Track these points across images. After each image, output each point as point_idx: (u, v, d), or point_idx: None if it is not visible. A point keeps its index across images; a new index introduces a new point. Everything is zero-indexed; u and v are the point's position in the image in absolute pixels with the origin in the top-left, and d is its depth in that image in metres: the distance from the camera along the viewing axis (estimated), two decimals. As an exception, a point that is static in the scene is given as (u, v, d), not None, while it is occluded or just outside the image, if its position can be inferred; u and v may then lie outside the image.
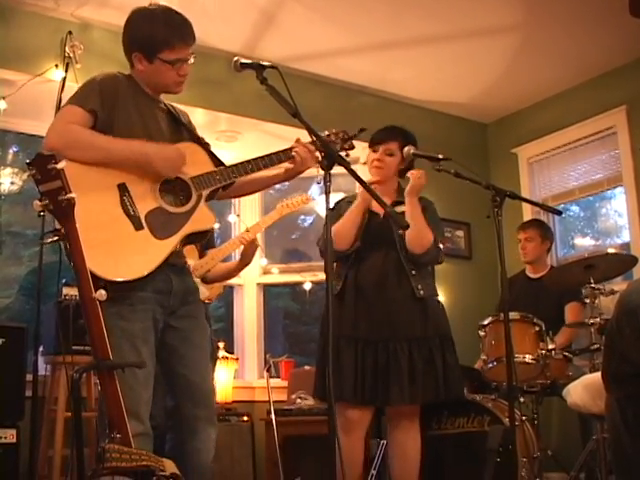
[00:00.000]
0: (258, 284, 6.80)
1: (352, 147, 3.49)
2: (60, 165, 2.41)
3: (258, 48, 5.87)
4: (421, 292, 4.10)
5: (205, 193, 3.06)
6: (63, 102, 5.04)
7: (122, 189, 2.92)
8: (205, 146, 3.24)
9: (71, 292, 4.88)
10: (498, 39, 6.06)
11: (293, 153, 3.19)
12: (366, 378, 3.90)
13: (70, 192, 2.43)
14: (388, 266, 4.11)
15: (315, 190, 7.18)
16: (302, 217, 8.03)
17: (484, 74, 6.66)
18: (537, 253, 5.75)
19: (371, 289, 4.06)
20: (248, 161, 3.15)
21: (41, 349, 4.94)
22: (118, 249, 2.85)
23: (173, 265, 3.04)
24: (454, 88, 6.93)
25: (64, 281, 5.02)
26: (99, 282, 2.79)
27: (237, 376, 6.22)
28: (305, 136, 3.00)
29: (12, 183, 6.53)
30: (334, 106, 6.52)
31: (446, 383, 4.00)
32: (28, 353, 4.79)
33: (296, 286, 7.04)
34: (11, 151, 6.68)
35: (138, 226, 2.90)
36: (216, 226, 4.68)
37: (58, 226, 2.52)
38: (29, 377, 4.71)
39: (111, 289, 2.79)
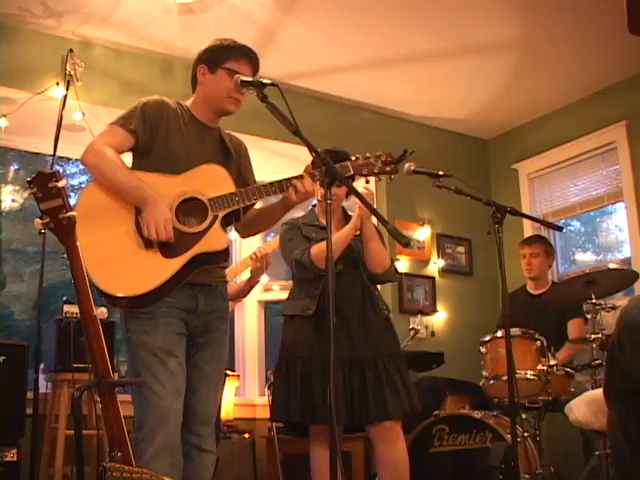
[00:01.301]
0: (259, 301, 6.79)
1: (395, 171, 3.37)
2: (61, 184, 2.42)
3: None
4: (385, 312, 4.11)
5: (221, 214, 3.05)
6: (64, 120, 5.11)
7: (139, 210, 2.97)
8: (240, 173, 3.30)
9: (72, 310, 4.88)
10: (498, 55, 6.07)
11: (296, 183, 3.15)
12: (351, 399, 3.86)
13: (71, 210, 2.44)
14: (359, 287, 4.08)
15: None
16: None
17: (484, 90, 6.68)
18: (542, 269, 5.75)
19: (349, 309, 4.01)
20: (270, 183, 3.16)
21: (42, 367, 4.93)
22: (124, 265, 2.89)
23: (201, 285, 3.08)
24: (454, 104, 6.94)
25: (65, 299, 5.03)
26: (112, 300, 2.88)
27: (238, 393, 6.20)
28: (306, 153, 2.99)
29: (13, 200, 6.54)
30: (334, 122, 6.53)
31: (408, 397, 3.96)
32: (29, 371, 4.78)
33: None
34: (12, 168, 6.69)
35: (148, 245, 2.93)
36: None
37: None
38: (30, 395, 4.69)
39: (126, 306, 2.92)
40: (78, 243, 2.60)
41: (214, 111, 3.30)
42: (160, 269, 2.91)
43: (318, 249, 3.91)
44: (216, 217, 3.04)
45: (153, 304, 2.92)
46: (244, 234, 3.59)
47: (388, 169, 3.33)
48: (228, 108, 3.27)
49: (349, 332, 3.96)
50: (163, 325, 2.96)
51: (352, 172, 3.24)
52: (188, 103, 3.33)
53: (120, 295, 2.86)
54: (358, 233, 4.04)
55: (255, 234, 3.70)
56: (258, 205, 3.39)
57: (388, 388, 3.87)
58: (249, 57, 3.27)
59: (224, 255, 3.09)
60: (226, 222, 3.11)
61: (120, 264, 2.89)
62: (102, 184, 2.99)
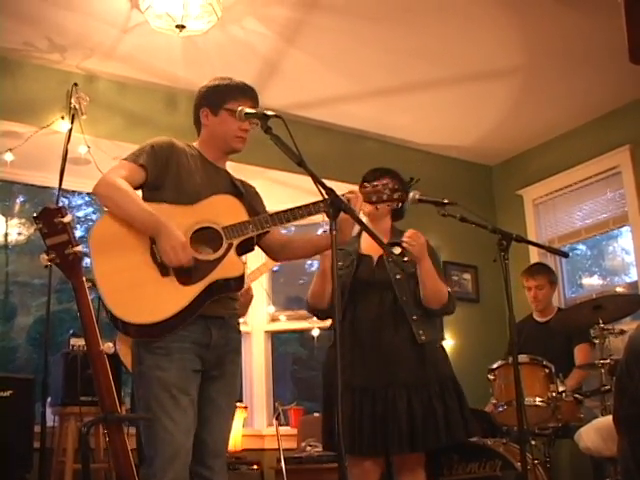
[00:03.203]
0: (266, 332, 6.79)
1: (403, 199, 3.52)
2: (66, 219, 2.42)
3: (262, 96, 5.84)
4: (422, 337, 3.94)
5: (236, 242, 3.08)
6: (69, 153, 5.13)
7: (154, 239, 2.98)
8: (250, 207, 3.29)
9: (78, 343, 4.88)
10: (500, 82, 6.09)
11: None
12: (364, 427, 3.83)
13: (77, 245, 2.44)
14: (384, 310, 3.99)
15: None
16: (309, 262, 8.02)
17: (487, 117, 6.70)
18: (547, 299, 5.74)
19: (367, 334, 3.96)
20: (284, 211, 3.19)
21: (49, 400, 4.92)
22: (142, 294, 2.89)
23: (215, 317, 3.08)
24: (457, 132, 6.96)
25: (71, 332, 5.03)
26: (128, 327, 2.87)
27: (246, 424, 6.18)
28: (311, 182, 2.99)
29: (19, 234, 6.56)
30: (338, 152, 6.55)
31: (447, 427, 3.89)
32: (36, 404, 4.77)
33: (304, 331, 7.00)
34: (18, 201, 6.71)
35: (164, 272, 2.94)
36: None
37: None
38: (37, 428, 4.68)
39: (142, 335, 2.92)
40: (94, 273, 2.67)
41: (222, 150, 3.35)
42: (178, 296, 2.92)
43: (310, 292, 4.01)
44: (231, 245, 3.06)
45: (169, 333, 2.92)
46: (278, 258, 3.63)
47: (396, 196, 3.45)
48: (235, 147, 3.33)
49: (364, 359, 3.92)
50: (177, 361, 2.95)
51: (321, 211, 3.24)
52: (195, 144, 3.36)
53: (139, 322, 2.86)
54: (399, 251, 3.99)
55: (288, 260, 3.83)
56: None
57: (405, 420, 3.80)
58: (248, 94, 3.32)
59: (240, 282, 3.11)
60: (241, 250, 3.13)
61: (137, 292, 2.89)
62: (115, 215, 3.00)
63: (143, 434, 2.96)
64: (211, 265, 3.01)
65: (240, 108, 3.07)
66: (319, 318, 4.22)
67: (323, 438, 4.04)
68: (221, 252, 3.04)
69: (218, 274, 3.00)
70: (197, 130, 3.40)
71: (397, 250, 4.01)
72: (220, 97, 3.29)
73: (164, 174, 3.14)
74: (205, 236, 3.07)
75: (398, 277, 4.01)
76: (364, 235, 4.14)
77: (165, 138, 3.27)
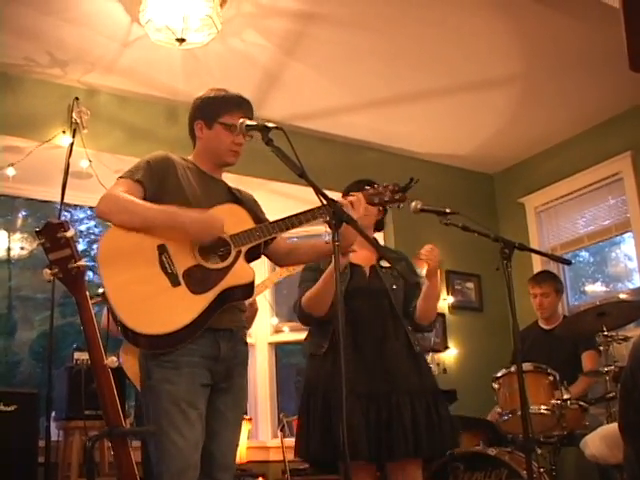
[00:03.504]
0: (270, 343, 6.79)
1: (404, 199, 3.55)
2: (69, 233, 2.43)
3: (262, 108, 5.93)
4: (417, 348, 4.02)
5: (244, 249, 3.10)
6: (71, 167, 5.15)
7: (161, 249, 2.99)
8: (255, 213, 3.31)
9: (82, 357, 4.88)
10: (500, 90, 6.11)
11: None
12: (370, 434, 3.81)
13: (80, 260, 2.44)
14: (383, 319, 4.00)
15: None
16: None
17: (487, 125, 6.71)
18: (553, 307, 5.72)
19: (369, 342, 3.94)
20: (288, 217, 3.20)
21: (53, 414, 4.92)
22: (153, 304, 2.89)
23: (223, 330, 3.07)
24: (458, 140, 6.97)
25: (75, 346, 5.03)
26: (139, 339, 2.86)
27: (251, 436, 6.17)
28: (313, 193, 3.00)
29: (22, 248, 6.57)
30: (339, 163, 6.55)
31: (443, 435, 3.91)
32: (40, 419, 4.77)
33: (307, 342, 6.98)
34: (20, 216, 6.72)
35: (175, 282, 2.94)
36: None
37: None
38: (42, 443, 4.68)
39: (154, 346, 2.90)
40: (104, 286, 2.69)
41: (215, 163, 3.35)
42: (191, 305, 2.92)
43: (308, 295, 3.91)
44: (239, 252, 3.08)
45: (182, 343, 2.91)
46: (283, 263, 3.66)
47: (397, 197, 3.51)
48: (228, 160, 3.34)
49: (366, 366, 3.91)
50: (187, 375, 2.95)
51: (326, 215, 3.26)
52: (190, 157, 3.37)
53: (154, 333, 2.85)
54: (388, 265, 4.03)
55: (292, 265, 3.91)
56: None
57: (413, 428, 3.80)
58: (243, 107, 3.30)
59: (250, 289, 3.12)
60: (248, 257, 3.14)
61: (150, 303, 2.88)
62: (122, 226, 2.99)
63: (151, 449, 2.96)
64: (221, 273, 3.02)
65: (241, 121, 3.06)
66: (306, 324, 4.10)
67: (302, 446, 3.93)
68: (230, 260, 3.05)
69: (229, 281, 3.01)
70: (192, 141, 3.40)
71: (385, 264, 4.06)
72: (215, 110, 3.29)
73: (162, 188, 3.13)
74: (213, 245, 3.07)
75: (394, 287, 4.04)
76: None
77: (161, 152, 3.28)
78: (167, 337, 2.86)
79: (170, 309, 2.90)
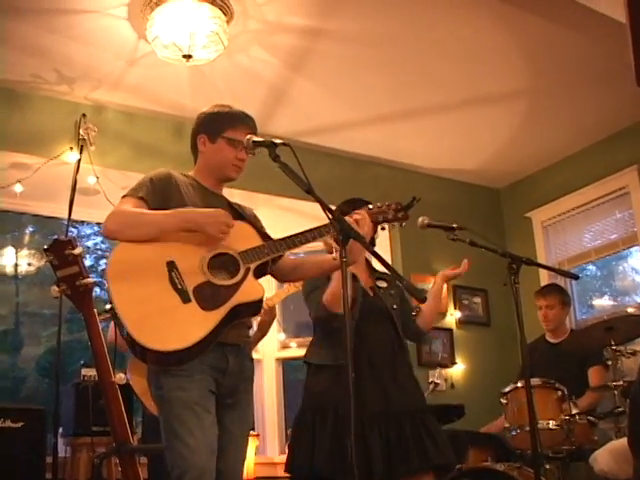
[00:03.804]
0: (277, 359, 6.78)
1: (406, 218, 3.61)
2: (77, 251, 2.43)
3: (269, 124, 5.95)
4: (412, 366, 4.11)
5: (253, 266, 3.09)
6: (78, 184, 5.16)
7: (170, 266, 2.98)
8: (259, 230, 3.31)
9: (89, 373, 4.88)
10: (505, 105, 6.11)
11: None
12: (385, 452, 3.79)
13: (87, 277, 2.45)
14: (389, 340, 4.03)
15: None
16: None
17: (493, 140, 6.71)
18: (559, 320, 5.68)
19: (381, 361, 3.96)
20: (295, 234, 3.21)
21: (60, 431, 4.92)
22: (165, 321, 2.88)
23: (231, 345, 3.07)
24: (464, 155, 6.98)
25: (82, 362, 5.03)
26: (149, 355, 2.84)
27: (258, 452, 6.15)
28: (319, 209, 3.01)
29: (29, 264, 6.58)
30: (346, 178, 6.56)
31: (445, 449, 3.91)
32: (48, 435, 4.76)
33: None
34: (27, 232, 6.74)
35: (186, 299, 2.93)
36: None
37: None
38: (49, 459, 4.67)
39: (165, 362, 2.88)
40: (115, 304, 2.70)
41: (216, 178, 3.36)
42: (202, 321, 2.91)
43: (328, 294, 3.90)
44: (248, 269, 3.08)
45: (192, 360, 2.90)
46: (285, 279, 3.67)
47: (400, 216, 3.59)
48: (230, 175, 3.34)
49: (381, 385, 3.91)
50: (198, 381, 2.94)
51: (330, 233, 3.28)
52: (191, 173, 3.37)
53: (166, 350, 2.83)
54: (385, 285, 4.08)
55: (297, 281, 3.92)
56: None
57: (428, 440, 3.80)
58: (246, 123, 3.31)
59: (259, 305, 3.12)
60: (257, 274, 3.14)
61: (162, 320, 2.87)
62: (133, 241, 2.99)
63: (167, 456, 2.94)
64: (231, 290, 3.01)
65: (248, 137, 3.06)
66: (328, 325, 4.01)
67: (301, 462, 3.87)
68: (240, 276, 3.05)
69: (239, 298, 3.01)
70: (194, 156, 3.41)
71: (383, 283, 4.13)
72: (219, 125, 3.30)
73: (165, 206, 3.12)
74: (222, 262, 3.08)
75: (395, 307, 4.08)
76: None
77: (163, 170, 3.27)
78: (178, 353, 2.85)
79: (181, 326, 2.89)
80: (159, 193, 3.14)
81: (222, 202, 3.36)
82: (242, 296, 3.02)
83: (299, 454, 3.90)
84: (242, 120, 3.32)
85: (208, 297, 2.96)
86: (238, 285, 3.03)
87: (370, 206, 3.59)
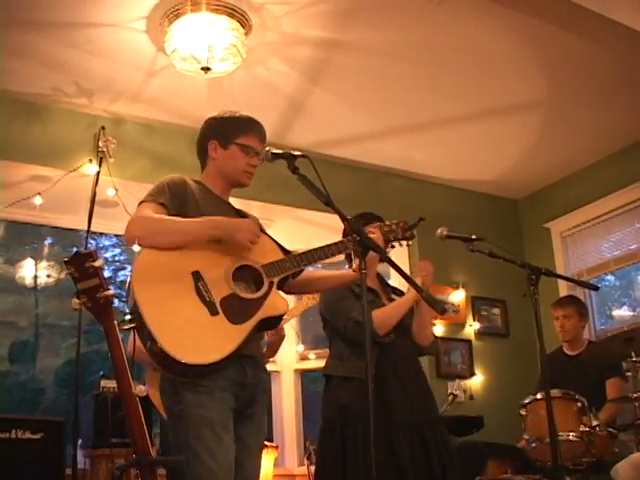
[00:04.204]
0: (295, 370, 6.78)
1: (412, 236, 3.63)
2: (97, 263, 2.44)
3: (286, 135, 5.97)
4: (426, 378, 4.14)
5: (276, 280, 3.09)
6: (97, 196, 5.18)
7: (196, 277, 2.96)
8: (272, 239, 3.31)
9: (109, 384, 4.88)
10: (523, 115, 6.11)
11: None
12: (416, 462, 3.78)
13: (108, 289, 2.45)
14: (410, 352, 4.09)
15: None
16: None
17: (512, 150, 6.70)
18: (576, 330, 5.64)
19: (406, 373, 3.99)
20: (315, 249, 3.20)
21: (79, 442, 4.92)
22: (195, 333, 2.86)
23: (248, 357, 3.05)
24: (482, 166, 6.97)
25: (101, 374, 5.04)
26: (176, 366, 2.80)
27: (277, 464, 6.13)
28: (338, 221, 3.01)
29: (48, 276, 6.60)
30: (364, 189, 6.56)
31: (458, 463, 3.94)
32: (67, 447, 4.77)
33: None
34: (46, 243, 6.77)
35: (214, 311, 2.91)
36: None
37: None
38: (68, 471, 4.68)
39: (183, 373, 2.84)
40: (141, 313, 2.69)
41: (228, 184, 3.34)
42: (231, 334, 2.90)
43: (381, 315, 3.96)
44: (272, 283, 3.08)
45: (220, 371, 2.89)
46: (304, 291, 3.71)
47: (407, 235, 3.62)
48: (244, 182, 3.32)
49: (406, 395, 3.92)
50: (219, 399, 2.92)
51: (351, 249, 3.31)
52: (199, 178, 3.34)
53: (199, 363, 2.81)
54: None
55: (314, 293, 3.97)
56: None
57: (447, 452, 3.84)
58: (257, 130, 3.31)
59: (281, 319, 3.14)
60: (279, 287, 3.14)
61: (191, 332, 2.85)
62: (156, 248, 2.96)
63: (186, 476, 2.93)
64: (257, 303, 3.01)
65: (267, 149, 3.07)
66: (358, 342, 3.95)
67: (329, 477, 3.90)
68: (264, 290, 3.05)
69: (265, 312, 3.01)
70: (201, 162, 3.37)
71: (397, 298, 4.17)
72: (231, 131, 3.28)
73: (183, 211, 3.11)
74: (244, 274, 3.07)
75: (409, 321, 4.13)
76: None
77: (177, 175, 3.26)
78: (210, 366, 2.83)
79: (211, 339, 2.87)
80: (177, 198, 3.13)
81: (230, 209, 3.35)
82: (268, 310, 3.02)
83: (331, 468, 3.89)
84: (253, 126, 3.32)
85: (235, 310, 2.95)
86: (263, 299, 3.03)
87: (383, 224, 3.65)
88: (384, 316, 3.96)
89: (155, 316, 2.79)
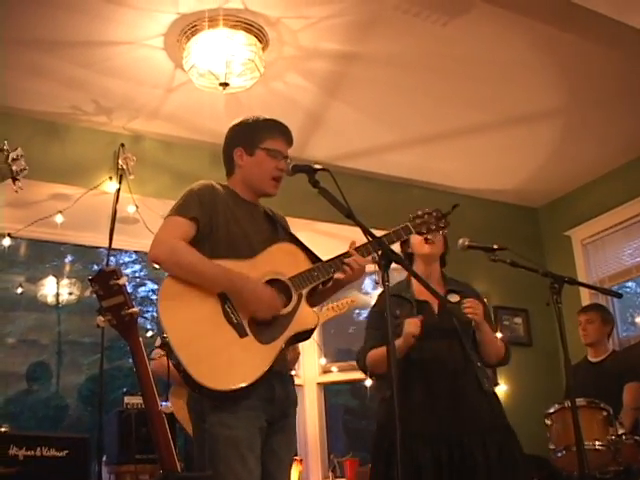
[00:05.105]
0: (318, 384, 6.77)
1: (447, 224, 3.57)
2: (122, 281, 2.45)
3: (306, 149, 5.98)
4: (486, 385, 3.89)
5: (305, 292, 3.05)
6: (118, 213, 5.20)
7: (223, 298, 2.92)
8: (301, 244, 3.25)
9: (132, 401, 4.89)
10: (542, 123, 6.09)
11: (344, 266, 3.14)
12: (442, 476, 3.72)
13: (132, 307, 2.46)
14: (454, 357, 3.89)
15: (368, 284, 7.17)
16: (357, 311, 7.98)
17: (531, 159, 6.69)
18: (598, 335, 5.61)
19: (440, 381, 3.85)
20: (337, 256, 3.15)
21: (104, 459, 4.93)
22: (224, 358, 2.82)
23: (277, 372, 2.99)
24: (502, 175, 6.95)
25: (125, 390, 5.05)
26: (208, 392, 2.78)
27: (302, 478, 6.11)
28: (359, 233, 3.00)
29: (70, 293, 6.64)
30: (383, 201, 6.56)
31: (514, 476, 3.81)
32: (92, 463, 4.78)
33: (356, 382, 6.95)
34: (67, 261, 6.80)
35: (242, 333, 2.88)
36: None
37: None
38: (93, 488, 4.69)
39: (216, 398, 2.82)
40: (170, 342, 2.69)
41: (254, 192, 3.27)
42: (262, 356, 2.87)
43: (374, 357, 3.88)
44: (300, 295, 3.04)
45: (253, 392, 2.85)
46: (314, 304, 3.57)
47: (442, 224, 3.55)
48: (269, 191, 3.26)
49: (436, 407, 3.79)
50: (244, 419, 2.87)
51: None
52: (228, 184, 3.29)
53: (230, 389, 2.79)
54: (457, 300, 3.94)
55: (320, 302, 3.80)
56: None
57: (483, 465, 3.67)
58: (282, 131, 3.27)
59: (312, 332, 3.08)
60: (309, 297, 3.11)
61: (220, 357, 2.82)
62: (183, 278, 2.92)
63: None
64: (287, 319, 2.98)
65: (290, 162, 3.06)
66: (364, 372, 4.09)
67: None
68: (293, 304, 3.01)
69: (295, 327, 2.98)
70: (227, 170, 3.31)
71: (455, 297, 3.99)
72: (256, 136, 3.22)
73: (213, 222, 3.06)
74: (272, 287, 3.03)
75: (464, 323, 3.96)
76: (415, 280, 4.00)
77: (205, 182, 3.20)
78: (240, 391, 2.81)
79: (241, 363, 2.84)
80: (207, 210, 3.07)
81: (260, 212, 3.30)
82: (297, 325, 2.99)
83: None
84: (278, 128, 3.27)
85: (264, 329, 2.91)
86: (292, 314, 2.99)
87: (415, 215, 3.53)
88: (379, 359, 3.84)
89: (182, 342, 2.77)
